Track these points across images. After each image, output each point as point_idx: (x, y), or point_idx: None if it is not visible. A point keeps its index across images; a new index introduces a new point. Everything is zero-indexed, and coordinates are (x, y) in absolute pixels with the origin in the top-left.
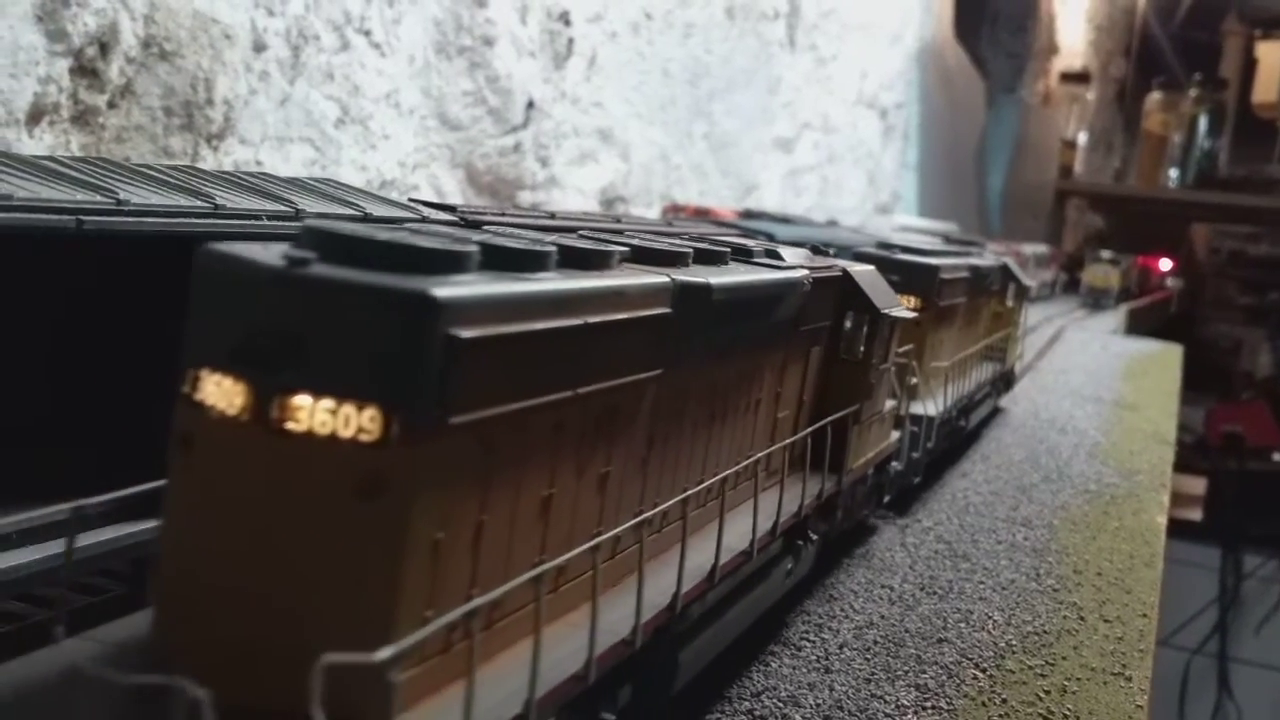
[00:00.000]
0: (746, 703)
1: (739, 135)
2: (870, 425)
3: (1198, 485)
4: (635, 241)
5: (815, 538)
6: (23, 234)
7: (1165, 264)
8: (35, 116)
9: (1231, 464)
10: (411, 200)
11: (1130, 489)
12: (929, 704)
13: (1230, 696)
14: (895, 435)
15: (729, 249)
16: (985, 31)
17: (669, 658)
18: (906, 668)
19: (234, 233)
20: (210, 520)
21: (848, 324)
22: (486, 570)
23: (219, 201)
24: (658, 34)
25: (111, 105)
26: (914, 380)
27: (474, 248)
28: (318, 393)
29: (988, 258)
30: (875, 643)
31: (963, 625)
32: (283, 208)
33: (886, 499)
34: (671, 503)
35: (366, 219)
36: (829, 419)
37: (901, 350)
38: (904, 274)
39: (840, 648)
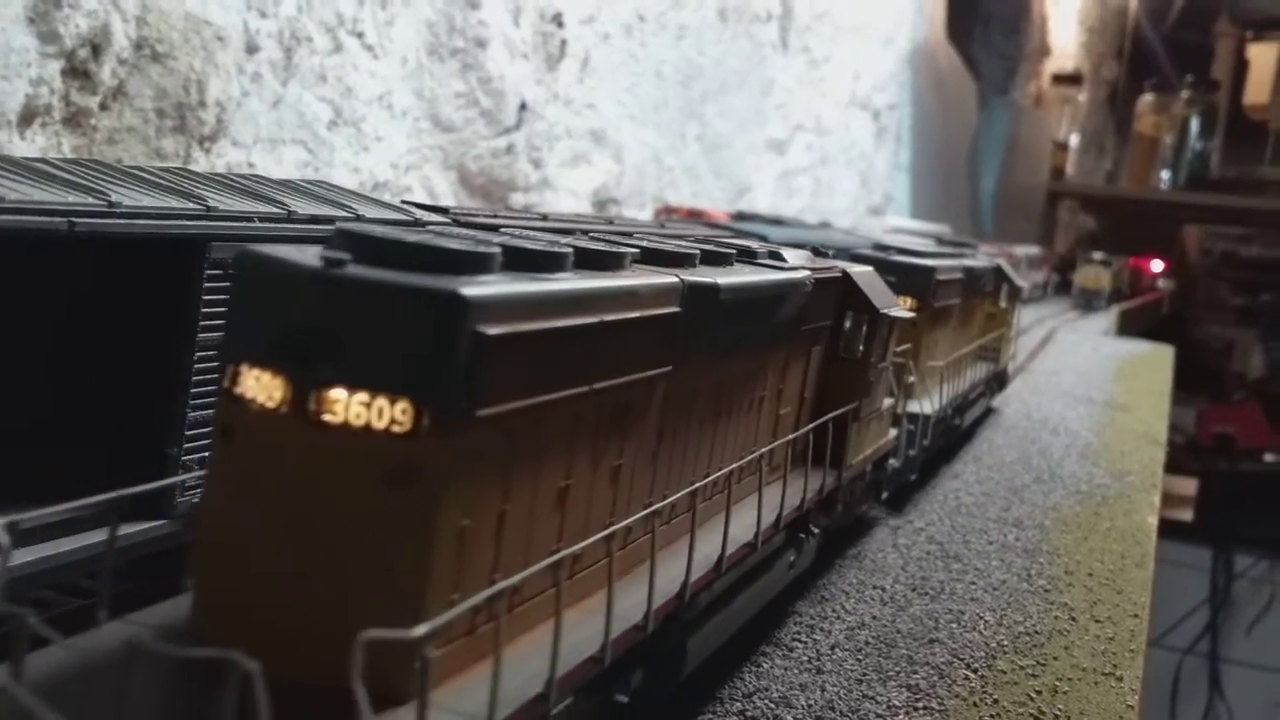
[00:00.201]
0: (738, 703)
1: (732, 137)
2: (869, 422)
3: (1189, 486)
4: (644, 243)
5: (816, 531)
6: (14, 236)
7: (1157, 265)
8: (27, 118)
9: (1223, 465)
10: (404, 202)
11: (1121, 490)
12: (921, 704)
13: (1221, 697)
14: (893, 433)
15: (734, 250)
16: (977, 33)
17: (678, 644)
18: (898, 668)
19: (226, 235)
20: (249, 507)
21: (847, 324)
22: (508, 557)
23: (211, 203)
24: (650, 36)
25: (103, 107)
26: (911, 379)
27: (497, 249)
28: (353, 386)
29: (981, 259)
30: (867, 643)
31: (954, 626)
32: (275, 210)
33: (884, 495)
34: (681, 494)
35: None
36: (829, 416)
37: (899, 350)
38: (900, 275)
39: (832, 648)
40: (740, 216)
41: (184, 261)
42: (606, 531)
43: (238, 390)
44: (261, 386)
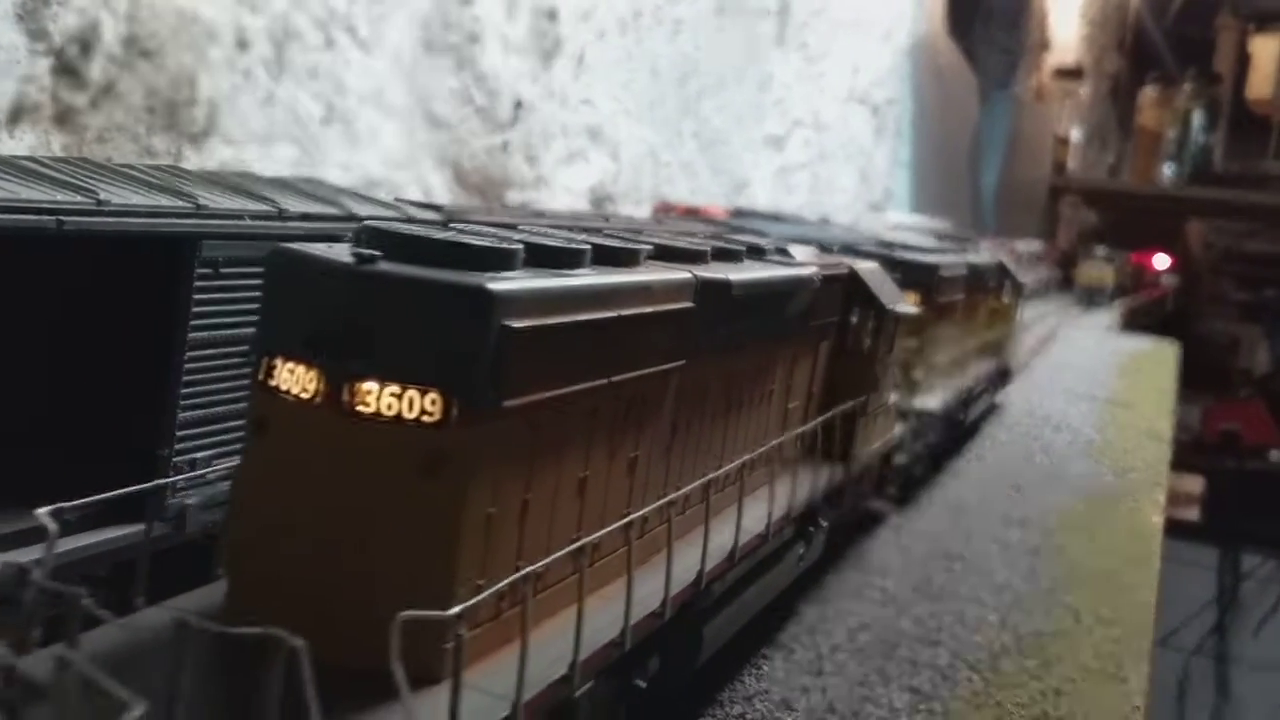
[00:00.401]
0: (739, 706)
1: (729, 133)
2: (876, 417)
3: (1195, 484)
4: (658, 240)
5: (825, 524)
6: (2, 235)
7: (1160, 260)
8: (16, 116)
9: (1229, 463)
10: (398, 200)
11: (1126, 488)
12: (923, 707)
13: (1229, 698)
14: (899, 427)
15: (744, 247)
16: (978, 27)
17: (693, 632)
18: (900, 670)
19: (217, 233)
20: (283, 496)
21: (854, 319)
22: (531, 544)
23: (202, 202)
24: (646, 31)
25: (93, 105)
26: (917, 374)
27: (520, 246)
28: (384, 378)
29: (985, 255)
30: (868, 645)
31: (957, 627)
32: (266, 208)
33: (890, 489)
34: (695, 485)
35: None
36: (838, 410)
37: (905, 345)
38: (904, 272)
39: (833, 650)
40: (738, 213)
41: (175, 260)
42: (626, 520)
43: (272, 382)
44: (296, 379)
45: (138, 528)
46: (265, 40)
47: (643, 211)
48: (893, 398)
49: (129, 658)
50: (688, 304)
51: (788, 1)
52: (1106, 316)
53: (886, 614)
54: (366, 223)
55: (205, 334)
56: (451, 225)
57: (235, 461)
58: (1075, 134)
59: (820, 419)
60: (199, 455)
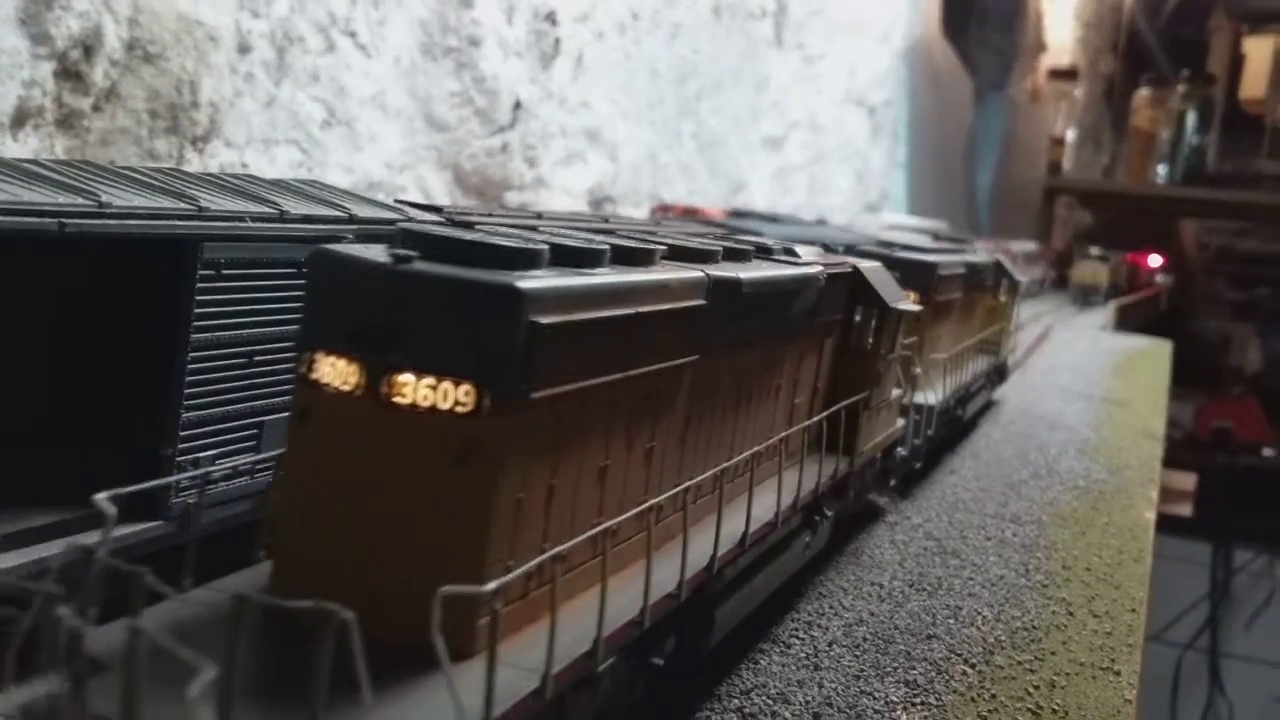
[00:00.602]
0: (736, 700)
1: (727, 134)
2: (878, 411)
3: (1187, 481)
4: (671, 240)
5: (830, 514)
6: (5, 238)
7: (1154, 260)
8: (19, 120)
9: (1221, 459)
10: (398, 201)
11: (1119, 485)
12: (918, 700)
13: (1222, 692)
14: (900, 422)
15: (753, 247)
16: (973, 29)
17: (706, 614)
18: (896, 664)
19: (218, 235)
20: (324, 482)
21: (857, 317)
22: (555, 528)
23: (203, 204)
24: (645, 34)
25: (96, 108)
26: (917, 371)
27: (545, 246)
28: (420, 371)
29: (981, 255)
30: (865, 639)
31: (952, 621)
32: (268, 210)
33: (892, 482)
34: (708, 474)
35: (351, 219)
36: (842, 404)
37: (906, 342)
38: (903, 270)
39: (830, 645)
40: (736, 214)
41: (177, 262)
42: (645, 505)
43: (314, 376)
44: (337, 372)
45: (146, 525)
46: (267, 44)
47: (641, 212)
48: (895, 393)
49: (185, 632)
50: (701, 301)
51: (785, 3)
52: (1101, 316)
53: (883, 609)
54: (402, 225)
55: (207, 335)
56: (478, 227)
57: (238, 461)
58: (1070, 135)
59: (825, 413)
60: (202, 455)
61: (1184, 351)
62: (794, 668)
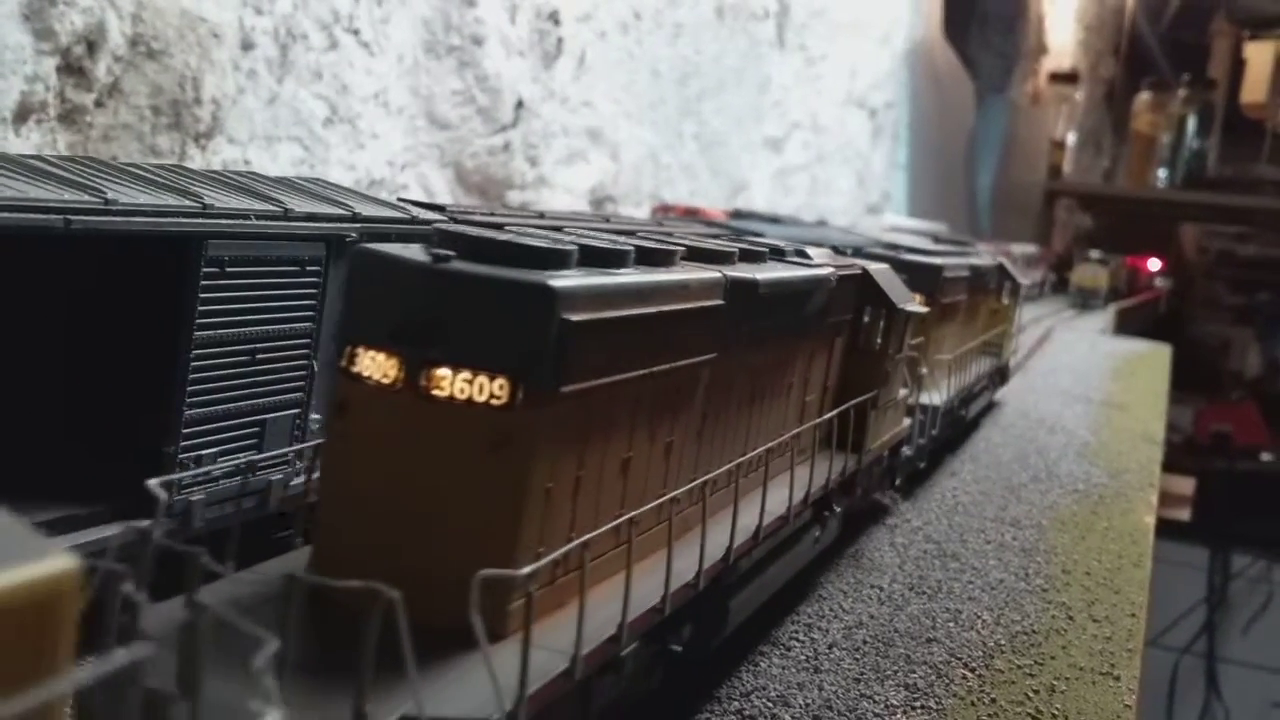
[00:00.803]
0: (736, 702)
1: (728, 135)
2: (886, 411)
3: (1186, 485)
4: (689, 242)
5: (839, 510)
6: (11, 234)
7: (1154, 264)
8: (22, 115)
9: (1220, 464)
10: (400, 200)
11: (1119, 489)
12: (918, 703)
13: (1218, 697)
14: (907, 421)
15: (767, 249)
16: (974, 32)
17: (721, 604)
18: (896, 667)
19: (222, 232)
20: (363, 470)
21: (866, 318)
22: (581, 518)
23: (207, 201)
24: (647, 34)
25: (99, 104)
26: (923, 371)
27: (574, 247)
28: (457, 365)
29: (985, 257)
30: (864, 642)
31: (952, 625)
32: (271, 207)
33: (898, 481)
34: (725, 469)
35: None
36: (851, 403)
37: (913, 343)
38: (909, 273)
39: (830, 647)
40: (737, 214)
41: (181, 259)
42: (668, 496)
43: (354, 369)
44: (377, 366)
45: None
46: (270, 41)
47: (642, 212)
48: (902, 393)
49: (237, 610)
50: (719, 301)
51: (787, 4)
52: (1101, 319)
53: (883, 612)
54: (438, 225)
55: (211, 332)
56: (507, 229)
57: (240, 459)
58: (1070, 138)
59: (835, 411)
60: (204, 452)
61: (1183, 356)
62: (794, 670)
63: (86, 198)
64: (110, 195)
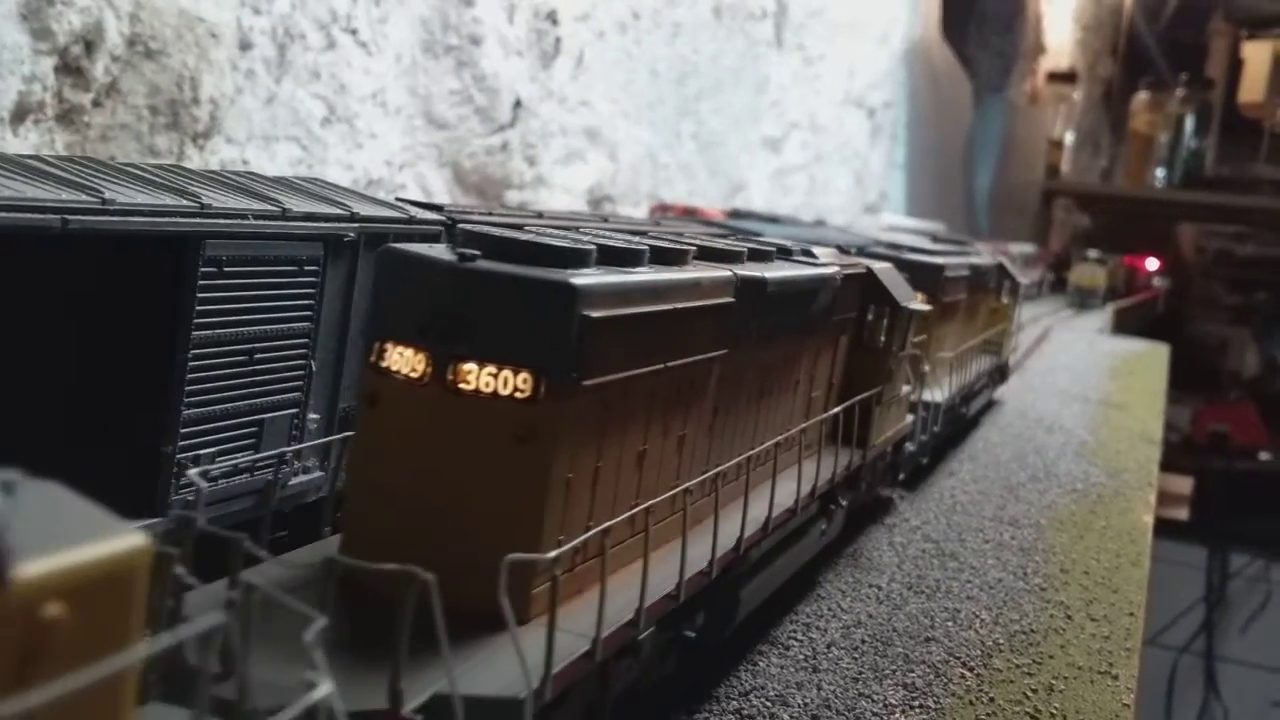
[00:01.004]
0: (734, 701)
1: (726, 135)
2: (889, 407)
3: (1184, 484)
4: (700, 242)
5: (844, 504)
6: (8, 234)
7: (1152, 263)
8: (20, 115)
9: (1218, 463)
10: (398, 199)
11: (1117, 488)
12: (916, 703)
13: (1217, 695)
14: (910, 418)
15: (774, 248)
16: (972, 31)
17: (732, 593)
18: (894, 667)
19: (220, 232)
20: (392, 461)
21: (870, 316)
22: (599, 507)
23: (205, 201)
24: (645, 33)
25: (97, 104)
26: (926, 368)
27: (593, 247)
28: (483, 360)
29: (985, 257)
30: (863, 642)
31: (950, 624)
32: (269, 207)
33: (901, 476)
34: (735, 461)
35: (412, 220)
36: (856, 399)
37: (916, 340)
38: (911, 272)
39: (828, 647)
40: (735, 214)
41: (179, 259)
42: (683, 487)
43: (383, 364)
44: (405, 360)
45: (144, 523)
46: (268, 41)
47: (640, 212)
48: (905, 389)
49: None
50: (729, 299)
51: (785, 4)
52: (1099, 319)
53: (881, 611)
54: (462, 226)
55: (209, 332)
56: (527, 229)
57: (238, 459)
58: (1068, 138)
59: (840, 407)
60: (202, 452)
61: (1181, 355)
62: (792, 670)
63: (84, 197)
64: (108, 195)
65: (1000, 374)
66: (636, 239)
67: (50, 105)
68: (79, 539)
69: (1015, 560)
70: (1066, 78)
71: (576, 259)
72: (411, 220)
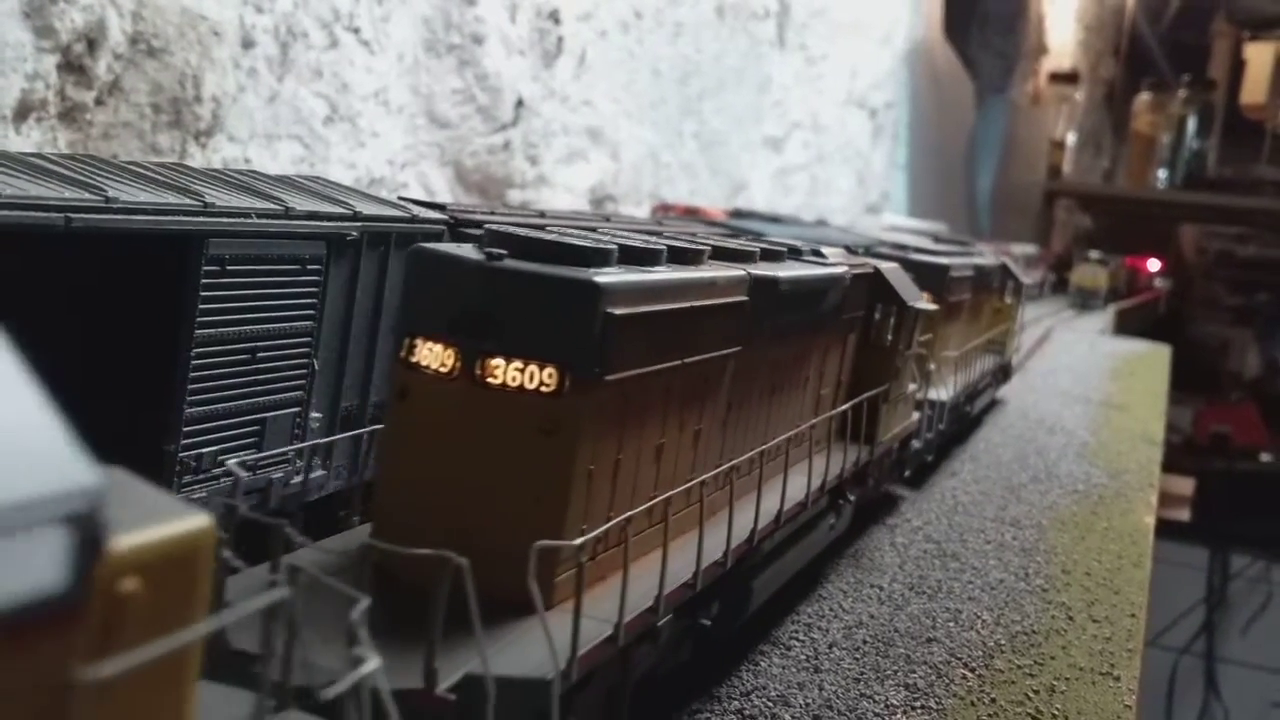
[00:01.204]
0: (736, 702)
1: (728, 134)
2: (896, 404)
3: (1186, 485)
4: (713, 242)
5: (852, 499)
6: (11, 232)
7: (1153, 264)
8: (22, 113)
9: (1219, 464)
10: (401, 198)
11: (1118, 489)
12: (918, 703)
13: (1217, 697)
14: (916, 415)
15: (785, 248)
16: (974, 32)
17: (745, 584)
18: (896, 667)
19: (223, 231)
20: (422, 452)
21: (877, 315)
22: (619, 498)
23: (208, 199)
24: (647, 33)
25: (99, 102)
26: (931, 367)
27: (615, 246)
28: (510, 355)
29: (989, 258)
30: (865, 642)
31: (952, 625)
32: (272, 206)
33: (907, 473)
34: (749, 455)
35: (415, 218)
36: (864, 396)
37: (921, 339)
38: (916, 272)
39: (830, 647)
40: (737, 214)
41: (182, 257)
42: (698, 480)
43: (413, 359)
44: (435, 356)
45: None
46: (270, 39)
47: (642, 211)
48: (911, 387)
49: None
50: (743, 298)
51: (788, 4)
52: (1100, 319)
53: (883, 612)
54: (489, 227)
55: (211, 330)
56: (550, 229)
57: (240, 457)
58: (1070, 138)
59: (849, 404)
60: (205, 451)
61: (1183, 356)
62: (794, 670)
63: (87, 196)
64: (111, 193)
65: (1003, 373)
66: (654, 239)
67: (53, 103)
68: (149, 519)
69: (1017, 561)
70: (1068, 78)
71: (599, 258)
72: (414, 219)
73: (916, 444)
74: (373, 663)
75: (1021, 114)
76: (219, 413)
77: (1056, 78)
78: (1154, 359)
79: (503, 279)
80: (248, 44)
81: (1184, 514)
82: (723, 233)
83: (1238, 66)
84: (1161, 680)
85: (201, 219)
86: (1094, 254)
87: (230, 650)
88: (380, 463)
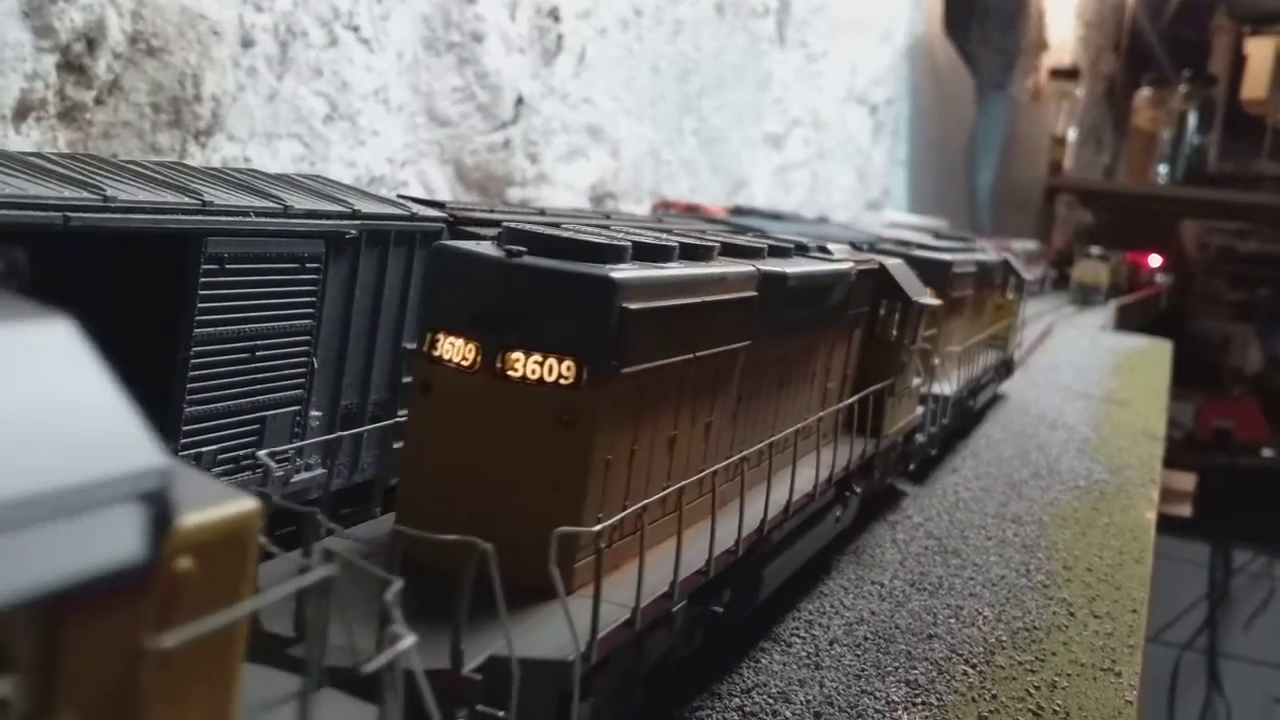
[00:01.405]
0: (737, 699)
1: (729, 131)
2: (901, 398)
3: (1187, 481)
4: (723, 238)
5: (858, 491)
6: (9, 231)
7: (1155, 260)
8: (22, 112)
9: (1221, 460)
10: (400, 197)
11: (1120, 485)
12: (919, 700)
13: (1220, 692)
14: (920, 410)
15: (792, 245)
16: (975, 28)
17: (756, 573)
18: (897, 664)
19: (222, 230)
20: (445, 443)
21: (882, 310)
22: (634, 488)
23: (207, 198)
24: (647, 30)
25: (99, 101)
26: (936, 362)
27: (629, 243)
28: (529, 349)
29: (991, 254)
30: (866, 639)
31: (953, 621)
32: (271, 204)
33: (911, 467)
34: (759, 447)
35: (414, 217)
36: (870, 390)
37: (925, 335)
38: (920, 268)
39: (831, 644)
40: (737, 211)
41: (180, 256)
42: (710, 470)
43: (435, 353)
44: (456, 350)
45: None
46: (270, 38)
47: (643, 209)
48: (916, 382)
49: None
50: (753, 293)
51: (787, 1)
52: (1101, 315)
53: (884, 608)
54: (507, 224)
55: (211, 329)
56: (564, 227)
57: (238, 455)
58: (1071, 134)
59: (855, 398)
60: (204, 449)
61: (1184, 351)
62: (795, 666)
63: (86, 195)
64: (110, 192)
65: (1005, 368)
66: (664, 235)
67: (52, 103)
68: (201, 502)
69: (1018, 557)
70: (1069, 74)
71: (614, 254)
72: (413, 218)
73: (920, 438)
74: (409, 639)
75: (1022, 110)
76: (218, 411)
77: (1057, 73)
78: (1155, 354)
79: (522, 275)
80: (247, 43)
81: (1185, 509)
82: (726, 230)
83: (1238, 62)
84: (1164, 676)
85: (200, 217)
86: (1095, 250)
87: (263, 633)
88: (403, 454)
